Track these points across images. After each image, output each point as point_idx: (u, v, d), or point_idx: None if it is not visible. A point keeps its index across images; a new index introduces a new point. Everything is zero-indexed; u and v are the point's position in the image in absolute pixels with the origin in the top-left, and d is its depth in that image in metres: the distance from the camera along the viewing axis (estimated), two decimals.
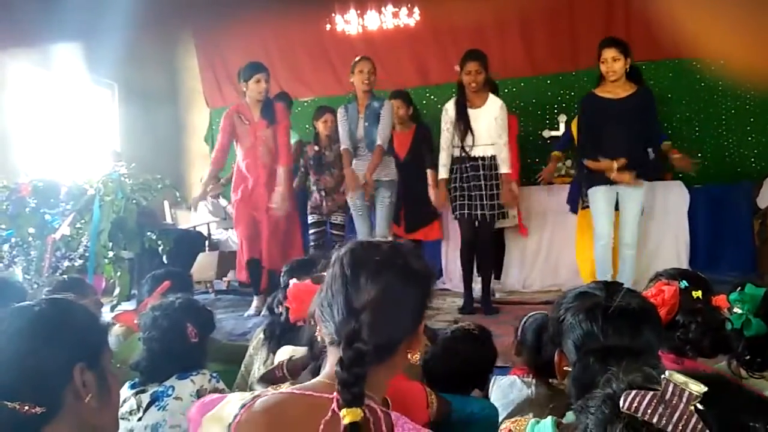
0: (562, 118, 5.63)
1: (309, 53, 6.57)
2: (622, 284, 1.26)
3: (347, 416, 0.89)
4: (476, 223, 4.19)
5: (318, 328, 1.07)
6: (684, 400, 0.57)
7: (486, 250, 4.33)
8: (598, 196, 3.93)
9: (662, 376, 0.60)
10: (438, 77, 6.29)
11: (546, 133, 5.66)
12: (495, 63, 6.07)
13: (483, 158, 4.16)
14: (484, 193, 4.14)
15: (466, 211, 4.15)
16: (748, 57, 5.11)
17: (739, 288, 1.66)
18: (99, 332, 1.10)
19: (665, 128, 5.55)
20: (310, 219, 5.01)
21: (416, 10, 5.57)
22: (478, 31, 6.12)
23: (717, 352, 1.61)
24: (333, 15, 5.64)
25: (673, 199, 4.85)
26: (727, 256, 4.81)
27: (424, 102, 6.29)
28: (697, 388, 0.57)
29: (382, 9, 5.69)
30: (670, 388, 0.58)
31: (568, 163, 5.20)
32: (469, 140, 4.13)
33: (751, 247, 4.91)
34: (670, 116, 5.70)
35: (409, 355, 1.04)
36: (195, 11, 6.64)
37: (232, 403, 1.01)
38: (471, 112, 4.16)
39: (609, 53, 3.76)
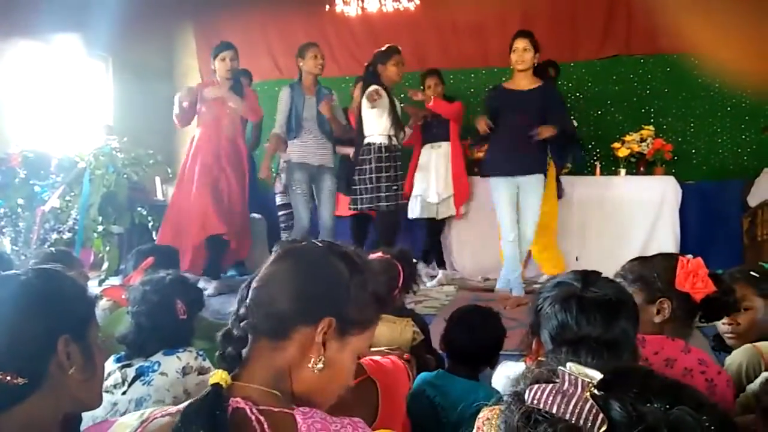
0: None
1: (307, 33, 6.49)
2: (600, 274, 1.27)
3: (214, 377, 0.88)
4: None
5: None
6: (579, 388, 0.58)
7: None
8: (501, 189, 3.97)
9: (559, 368, 0.61)
10: (436, 63, 6.23)
11: None
12: (494, 51, 6.07)
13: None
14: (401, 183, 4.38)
15: (402, 201, 4.34)
16: (747, 55, 5.12)
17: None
18: (86, 304, 1.09)
19: (660, 123, 5.57)
20: (279, 200, 5.10)
21: None
22: (478, 18, 6.09)
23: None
24: None
25: (665, 194, 4.87)
26: (715, 252, 4.82)
27: (421, 87, 6.25)
28: (592, 376, 0.59)
29: None
30: (566, 379, 0.59)
31: None
32: (399, 133, 4.30)
33: (739, 244, 4.94)
34: (665, 111, 5.70)
35: (311, 362, 0.94)
36: None
37: (121, 427, 0.97)
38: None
39: (521, 43, 3.86)
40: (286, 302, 0.95)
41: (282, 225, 5.10)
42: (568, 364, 0.61)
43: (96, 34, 5.61)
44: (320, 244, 1.02)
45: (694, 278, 1.47)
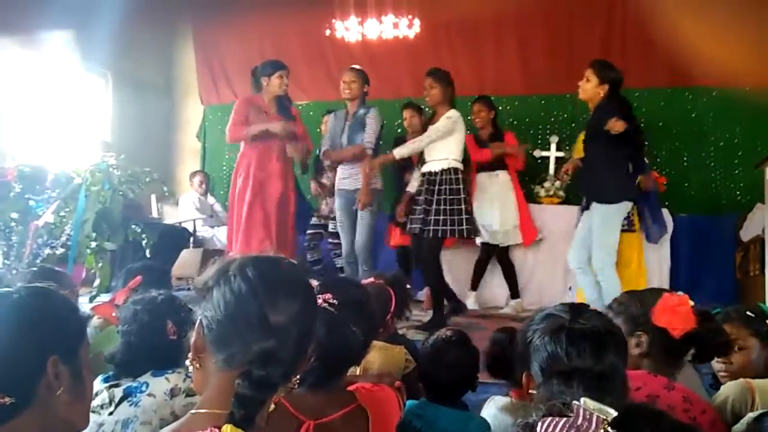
0: (554, 139, 5.67)
1: (307, 57, 6.56)
2: (588, 306, 1.28)
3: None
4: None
5: (191, 355, 0.98)
6: (594, 424, 0.58)
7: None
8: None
9: (574, 402, 0.61)
10: None
11: (537, 153, 5.70)
12: (491, 79, 6.14)
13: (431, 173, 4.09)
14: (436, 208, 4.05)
15: (427, 227, 4.03)
16: (741, 90, 5.20)
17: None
18: (77, 325, 1.08)
19: (653, 156, 5.61)
20: (313, 221, 5.22)
21: (416, 21, 5.60)
22: (476, 47, 6.17)
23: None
24: (333, 21, 5.64)
25: None
26: (707, 286, 4.85)
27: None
28: (608, 412, 0.59)
29: (383, 18, 5.72)
30: (581, 413, 0.59)
31: (557, 184, 5.23)
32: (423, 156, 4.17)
33: (731, 278, 4.96)
34: (660, 144, 5.75)
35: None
36: (194, 7, 6.63)
37: None
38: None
39: (585, 72, 3.68)
40: (305, 352, 1.00)
41: (305, 244, 5.27)
42: (582, 399, 0.60)
43: (95, 50, 5.65)
44: None
45: (672, 315, 1.47)
